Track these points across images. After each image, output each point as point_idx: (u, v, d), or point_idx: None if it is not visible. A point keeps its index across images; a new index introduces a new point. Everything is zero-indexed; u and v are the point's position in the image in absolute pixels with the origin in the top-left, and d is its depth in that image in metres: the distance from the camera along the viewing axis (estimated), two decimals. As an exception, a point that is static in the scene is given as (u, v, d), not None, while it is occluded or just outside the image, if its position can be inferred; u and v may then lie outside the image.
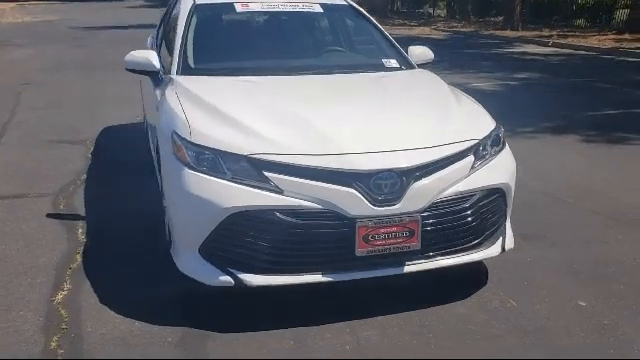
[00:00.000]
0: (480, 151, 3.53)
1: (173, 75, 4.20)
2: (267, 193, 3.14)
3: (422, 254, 3.34)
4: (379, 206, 3.18)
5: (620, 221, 4.76)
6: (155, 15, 29.11)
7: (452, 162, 3.37)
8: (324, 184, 3.14)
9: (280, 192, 3.14)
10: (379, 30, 5.06)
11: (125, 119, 7.82)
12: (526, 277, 3.85)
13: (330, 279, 3.24)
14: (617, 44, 16.36)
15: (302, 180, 3.14)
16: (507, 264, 3.91)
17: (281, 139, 3.27)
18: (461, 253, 3.45)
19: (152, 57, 4.35)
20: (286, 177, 3.14)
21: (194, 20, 4.66)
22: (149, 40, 6.75)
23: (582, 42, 17.09)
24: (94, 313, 3.38)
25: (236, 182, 3.17)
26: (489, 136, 3.63)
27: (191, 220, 3.27)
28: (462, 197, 3.38)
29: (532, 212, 4.78)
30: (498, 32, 20.79)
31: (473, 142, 3.50)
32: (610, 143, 7.07)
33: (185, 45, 4.41)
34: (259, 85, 4.08)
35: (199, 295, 3.49)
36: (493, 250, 3.58)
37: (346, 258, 3.23)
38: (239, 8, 4.83)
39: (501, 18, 23.94)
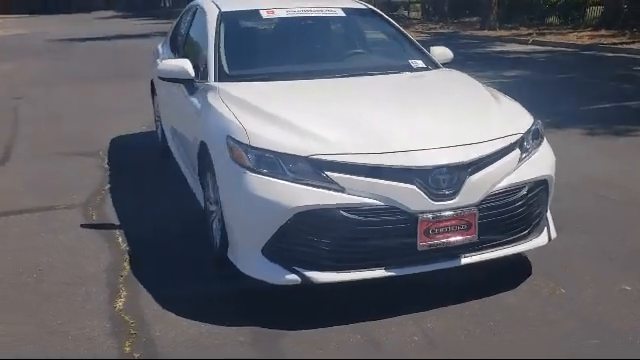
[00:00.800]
0: (524, 145, 3.66)
1: (211, 82, 4.25)
2: (330, 192, 3.22)
3: (478, 246, 3.46)
4: (438, 200, 3.29)
5: (644, 210, 4.92)
6: (130, 25, 29.07)
7: (502, 155, 3.49)
8: (385, 181, 3.23)
9: (342, 190, 3.22)
10: (400, 31, 5.16)
11: (130, 129, 7.80)
12: (567, 265, 3.98)
13: (393, 273, 3.34)
14: (595, 40, 16.71)
15: (363, 178, 3.23)
16: (545, 254, 3.99)
17: (339, 139, 3.36)
18: (513, 243, 3.58)
19: (187, 65, 4.40)
20: (347, 176, 3.23)
21: (222, 28, 4.71)
22: (160, 49, 6.75)
23: (561, 39, 17.44)
24: (158, 318, 3.42)
25: (299, 182, 3.25)
26: (530, 130, 3.76)
27: (254, 221, 3.34)
28: (513, 189, 3.50)
29: (557, 203, 4.89)
30: (477, 32, 21.11)
31: (518, 136, 3.63)
32: (616, 135, 7.25)
33: (219, 52, 4.47)
34: (301, 88, 4.18)
35: (258, 293, 3.55)
36: (541, 240, 3.71)
37: (408, 252, 3.33)
38: (265, 15, 4.90)
39: (475, 18, 24.27)
